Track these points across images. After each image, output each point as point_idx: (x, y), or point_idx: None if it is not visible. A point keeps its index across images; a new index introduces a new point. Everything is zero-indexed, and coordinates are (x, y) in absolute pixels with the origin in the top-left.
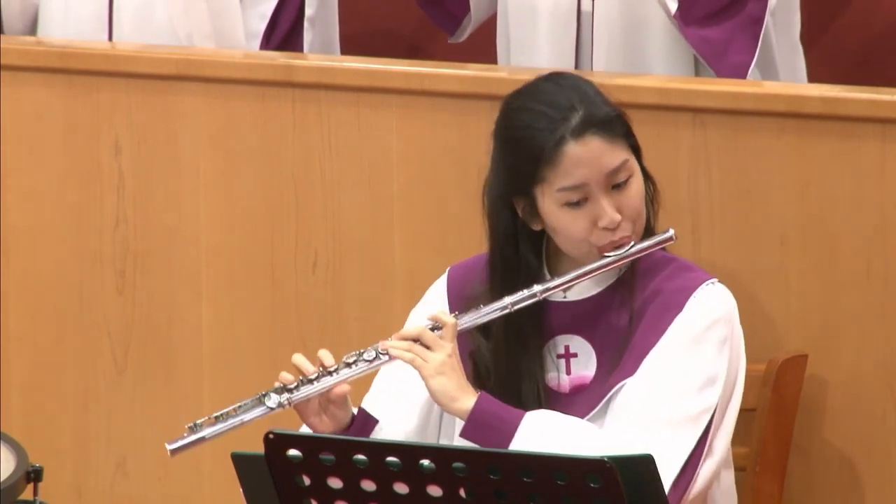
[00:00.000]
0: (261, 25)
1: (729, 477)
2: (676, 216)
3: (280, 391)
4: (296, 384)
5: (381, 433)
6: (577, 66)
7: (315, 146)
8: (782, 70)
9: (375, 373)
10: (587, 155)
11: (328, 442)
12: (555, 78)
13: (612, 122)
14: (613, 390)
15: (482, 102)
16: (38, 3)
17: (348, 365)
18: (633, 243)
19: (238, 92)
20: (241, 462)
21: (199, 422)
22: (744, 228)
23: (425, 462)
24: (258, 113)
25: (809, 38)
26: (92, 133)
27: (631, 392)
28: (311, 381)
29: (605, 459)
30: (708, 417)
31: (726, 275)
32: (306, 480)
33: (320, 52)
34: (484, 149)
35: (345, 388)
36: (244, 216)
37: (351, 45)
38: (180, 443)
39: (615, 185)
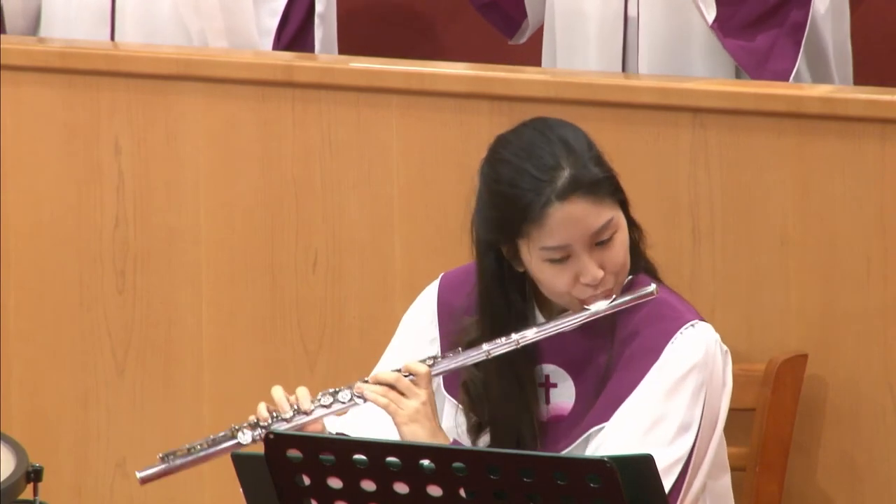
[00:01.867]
0: (272, 22)
1: (725, 482)
2: (676, 216)
3: (254, 426)
4: (269, 422)
5: None
6: (623, 70)
7: (315, 146)
8: (838, 73)
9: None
10: (572, 217)
11: (328, 442)
12: (541, 128)
13: (600, 183)
14: (588, 433)
15: (482, 102)
16: (41, 1)
17: (324, 406)
18: (614, 297)
19: (238, 92)
20: (241, 462)
21: (171, 452)
22: (744, 228)
23: (425, 462)
24: (258, 113)
25: None
26: (92, 133)
27: (605, 440)
28: (284, 420)
29: (605, 459)
30: (680, 467)
31: (726, 275)
32: (306, 480)
33: (324, 48)
34: (484, 148)
35: (318, 425)
36: (244, 216)
37: (356, 39)
38: (150, 471)
39: (599, 241)
